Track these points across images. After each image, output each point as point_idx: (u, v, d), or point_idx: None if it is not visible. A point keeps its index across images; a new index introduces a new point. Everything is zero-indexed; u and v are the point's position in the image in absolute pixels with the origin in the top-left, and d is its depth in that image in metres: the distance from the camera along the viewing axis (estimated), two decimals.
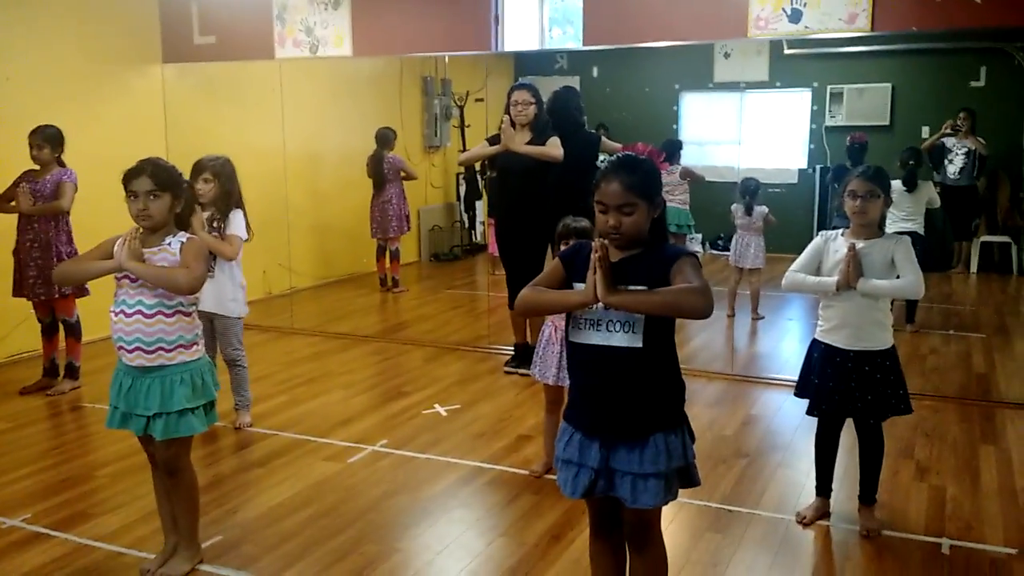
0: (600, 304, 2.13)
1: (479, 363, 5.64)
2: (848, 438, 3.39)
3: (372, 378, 5.46)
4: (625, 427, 2.22)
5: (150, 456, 2.99)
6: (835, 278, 3.14)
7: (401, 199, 7.71)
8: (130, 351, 2.81)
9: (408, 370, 5.54)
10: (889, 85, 8.70)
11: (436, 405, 4.77)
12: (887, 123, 8.70)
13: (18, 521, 3.42)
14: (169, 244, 2.83)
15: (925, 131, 8.21)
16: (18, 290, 4.90)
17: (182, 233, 2.88)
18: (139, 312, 2.79)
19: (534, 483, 3.73)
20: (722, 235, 7.02)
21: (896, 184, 6.04)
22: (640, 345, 2.17)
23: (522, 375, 5.13)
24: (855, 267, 3.10)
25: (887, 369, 3.20)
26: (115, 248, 2.78)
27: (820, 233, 3.31)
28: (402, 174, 7.74)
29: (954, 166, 7.65)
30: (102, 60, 6.16)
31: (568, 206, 5.28)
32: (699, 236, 8.22)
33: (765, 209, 6.46)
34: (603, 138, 5.68)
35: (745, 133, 8.87)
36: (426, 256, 9.19)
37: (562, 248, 3.64)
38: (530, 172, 5.09)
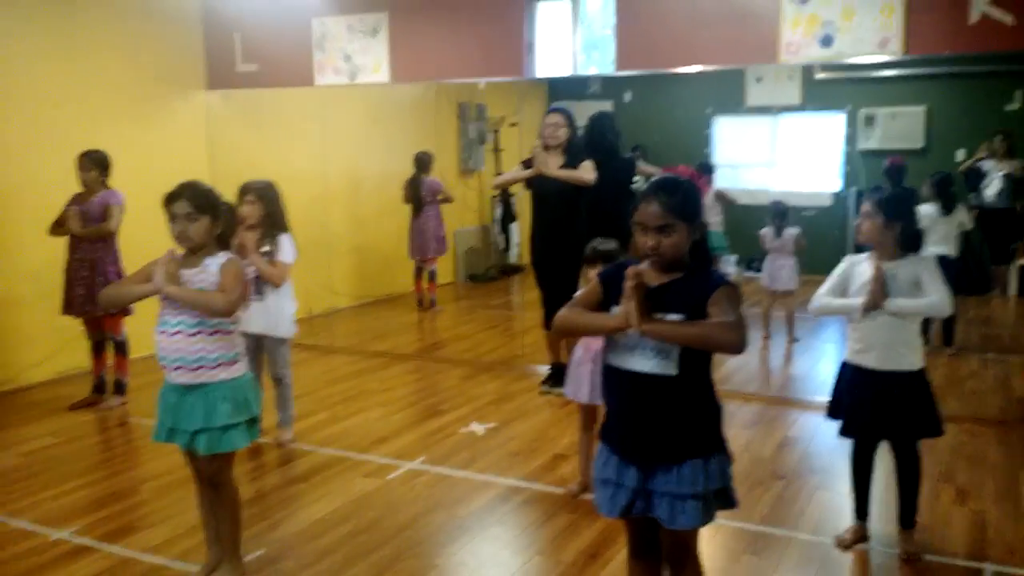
0: (634, 330, 2.15)
1: (515, 382, 5.69)
2: (888, 461, 3.39)
3: (410, 396, 5.54)
4: (661, 452, 2.23)
5: (194, 470, 3.07)
6: (861, 299, 3.15)
7: (438, 221, 7.83)
8: (174, 369, 2.90)
9: (445, 388, 5.61)
10: (923, 108, 8.68)
11: (473, 423, 4.82)
12: (922, 146, 8.67)
13: (66, 534, 3.51)
14: (208, 265, 2.89)
15: (960, 154, 8.18)
16: (67, 308, 5.05)
17: (222, 254, 2.94)
18: (180, 332, 2.87)
19: (571, 502, 3.76)
20: (756, 257, 7.02)
21: (928, 209, 6.04)
22: (674, 372, 2.18)
23: (557, 395, 5.17)
24: (881, 287, 3.12)
25: (917, 390, 3.19)
26: (155, 271, 2.86)
27: (846, 257, 3.33)
28: (439, 196, 7.85)
29: (992, 189, 7.60)
30: (148, 86, 6.35)
31: (603, 229, 5.36)
32: (734, 258, 8.24)
33: (796, 231, 6.47)
34: (639, 162, 5.74)
35: (779, 156, 8.90)
36: (462, 277, 9.28)
37: (590, 272, 3.72)
38: (564, 195, 5.16)
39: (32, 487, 4.00)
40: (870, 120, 8.80)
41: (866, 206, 3.21)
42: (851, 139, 8.90)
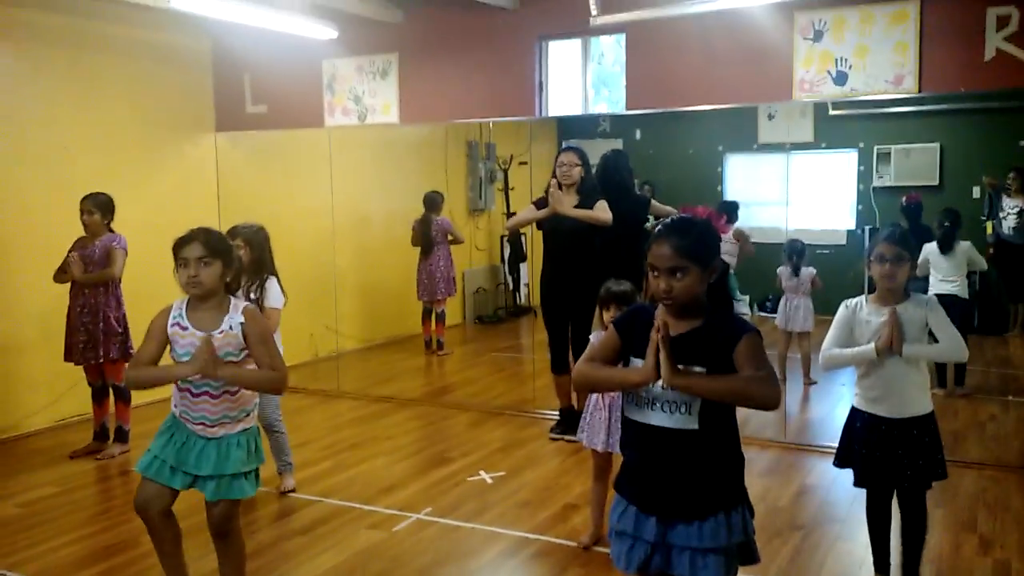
0: (660, 383, 2.08)
1: (524, 428, 5.57)
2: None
3: (416, 443, 5.43)
4: (681, 507, 2.15)
5: (144, 501, 2.91)
6: (872, 345, 3.05)
7: (448, 262, 7.77)
8: (195, 424, 2.87)
9: (453, 435, 5.50)
10: (937, 145, 8.60)
11: (481, 472, 4.71)
12: (936, 183, 8.58)
13: None
14: (230, 328, 2.82)
15: (976, 191, 8.08)
16: (68, 355, 4.98)
17: (233, 310, 2.85)
18: (206, 394, 2.84)
19: (582, 555, 3.65)
20: (770, 297, 6.92)
21: (931, 246, 5.95)
22: (696, 427, 2.12)
23: (568, 441, 5.06)
24: (899, 332, 3.01)
25: (931, 433, 3.12)
26: (194, 355, 2.74)
27: (843, 304, 3.20)
28: (449, 237, 7.80)
29: (1007, 224, 7.51)
30: (157, 128, 6.35)
31: (616, 269, 5.32)
32: (746, 298, 8.12)
33: (812, 271, 6.37)
34: (652, 201, 5.69)
35: (792, 194, 8.82)
36: (471, 318, 9.19)
37: (604, 314, 3.65)
38: (577, 235, 5.09)
39: (33, 538, 3.91)
40: (883, 157, 8.73)
41: (892, 248, 3.05)
42: (864, 176, 8.82)
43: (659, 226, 2.20)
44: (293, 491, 4.41)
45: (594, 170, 5.45)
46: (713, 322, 2.15)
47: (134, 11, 5.78)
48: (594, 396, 3.71)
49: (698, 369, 2.08)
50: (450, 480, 4.61)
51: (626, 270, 5.52)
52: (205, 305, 2.84)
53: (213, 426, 2.86)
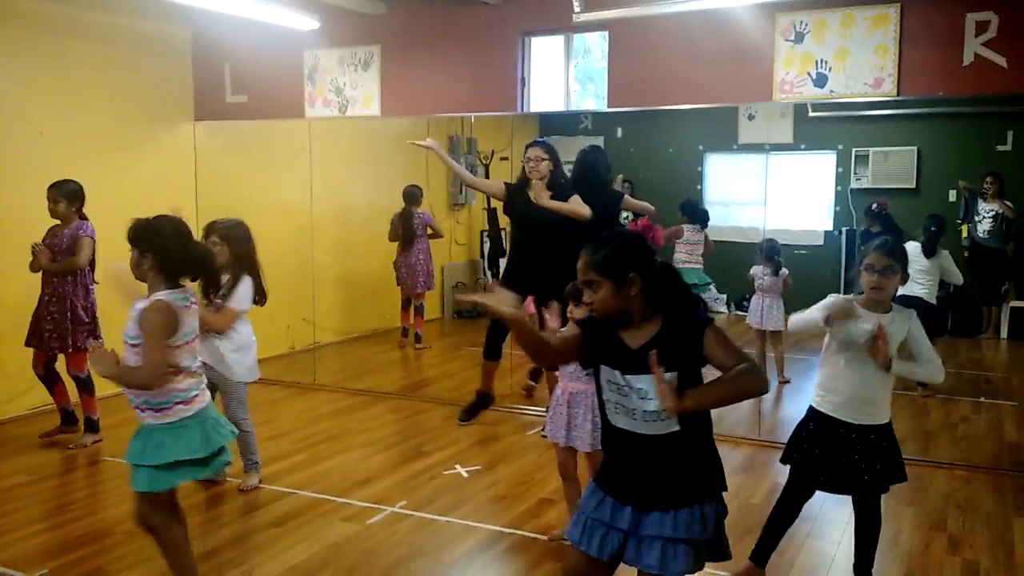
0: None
1: (500, 423, 5.58)
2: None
3: (392, 436, 5.42)
4: (657, 498, 2.21)
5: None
6: (819, 314, 3.07)
7: (427, 255, 7.75)
8: (142, 411, 2.89)
9: (429, 429, 5.49)
10: (915, 148, 8.68)
11: (457, 466, 4.71)
12: (913, 186, 8.66)
13: None
14: (134, 309, 2.83)
15: (952, 195, 8.18)
16: (30, 340, 4.90)
17: (154, 295, 2.84)
18: None
19: (556, 549, 3.65)
20: (747, 296, 6.96)
21: (913, 247, 6.01)
22: (677, 428, 2.18)
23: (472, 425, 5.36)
24: (888, 347, 3.01)
25: (889, 439, 3.15)
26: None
27: (831, 295, 3.18)
28: (429, 231, 7.77)
29: (982, 227, 7.61)
30: (135, 116, 6.29)
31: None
32: (724, 296, 8.16)
33: (785, 271, 6.41)
34: (627, 196, 5.75)
35: (771, 195, 8.87)
36: (449, 313, 9.18)
37: (576, 310, 3.64)
38: (552, 227, 5.11)
39: (2, 526, 3.86)
40: (862, 159, 8.81)
41: (882, 259, 3.03)
42: (842, 178, 8.90)
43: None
44: (255, 488, 4.33)
45: (572, 165, 5.49)
46: (669, 324, 2.21)
47: None
48: (556, 392, 3.67)
49: (669, 375, 2.12)
50: (426, 473, 4.61)
51: None
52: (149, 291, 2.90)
53: (142, 410, 2.88)
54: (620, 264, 2.21)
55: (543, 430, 5.29)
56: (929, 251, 6.05)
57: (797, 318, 3.22)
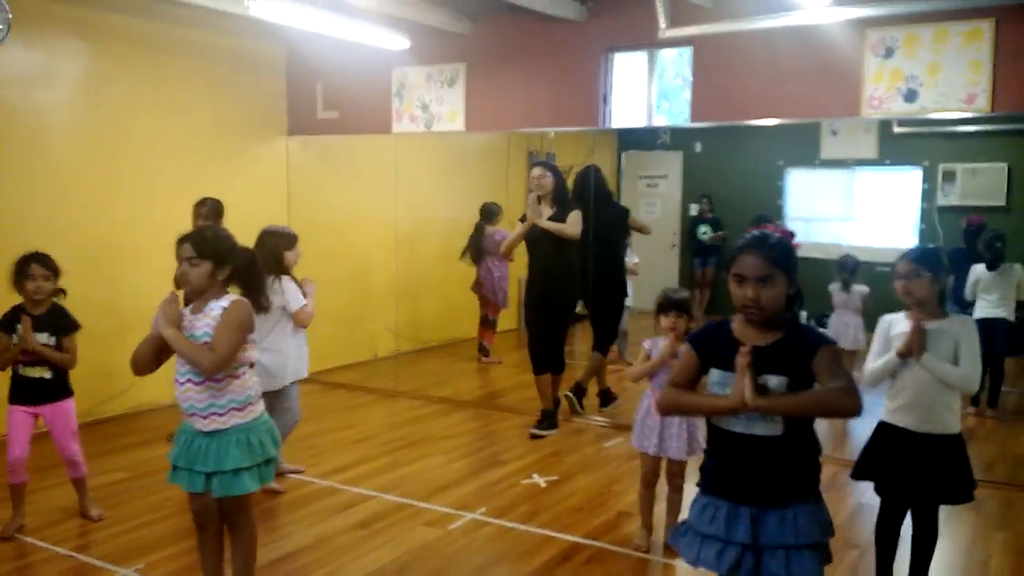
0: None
1: (577, 434, 5.62)
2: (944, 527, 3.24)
3: (471, 444, 5.50)
4: (773, 493, 2.22)
5: (196, 514, 3.04)
6: (894, 351, 3.08)
7: (501, 273, 7.75)
8: (189, 416, 2.92)
9: (506, 438, 5.56)
10: (1005, 165, 8.42)
11: (535, 475, 4.76)
12: (1003, 204, 8.40)
13: (131, 571, 3.54)
14: (212, 309, 2.88)
15: None
16: None
17: (229, 296, 2.92)
18: (190, 380, 2.89)
19: (635, 563, 3.68)
20: (827, 313, 6.86)
21: (980, 267, 5.88)
22: (780, 433, 2.20)
23: (542, 437, 5.45)
24: (920, 339, 3.03)
25: (953, 454, 3.10)
26: (156, 315, 2.85)
27: (882, 318, 3.25)
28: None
29: None
30: (232, 131, 6.55)
31: (597, 272, 5.80)
32: (804, 314, 8.03)
33: (865, 289, 6.27)
34: (631, 214, 6.22)
35: (855, 211, 8.72)
36: (524, 326, 9.24)
37: (661, 319, 3.69)
38: (555, 243, 5.42)
39: (102, 522, 4.05)
40: (949, 176, 8.58)
41: (906, 265, 3.12)
42: (928, 195, 8.68)
43: (743, 240, 2.28)
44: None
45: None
46: (793, 334, 2.22)
47: (213, 17, 5.99)
48: (646, 402, 3.78)
49: (778, 379, 2.15)
50: (504, 482, 4.68)
51: (606, 273, 5.93)
52: (199, 300, 2.93)
53: (205, 417, 2.88)
54: (792, 260, 2.24)
55: (534, 429, 5.51)
56: (992, 264, 5.92)
57: (875, 370, 3.18)
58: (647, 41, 5.44)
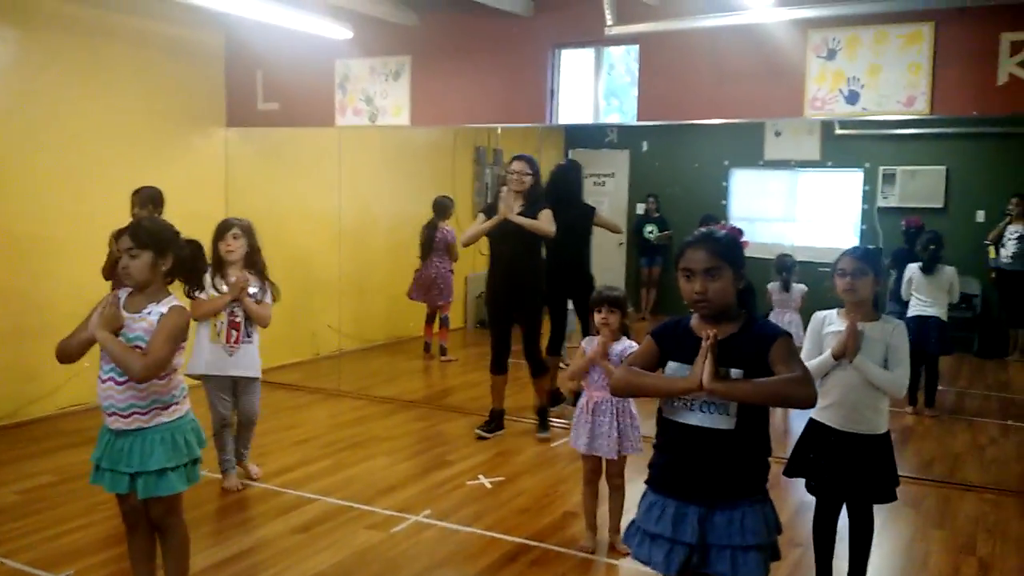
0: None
1: (524, 434, 5.57)
2: (882, 523, 3.27)
3: (416, 445, 5.42)
4: (721, 491, 2.22)
5: (124, 514, 2.95)
6: (829, 352, 3.10)
7: (446, 270, 7.63)
8: (108, 415, 2.81)
9: (452, 438, 5.49)
10: (944, 167, 8.62)
11: (481, 476, 4.71)
12: (941, 205, 8.60)
13: None
14: (150, 313, 2.79)
15: (980, 215, 8.11)
16: None
17: (168, 301, 2.83)
18: (112, 379, 2.79)
19: (581, 563, 3.64)
20: (767, 313, 6.94)
21: (915, 267, 6.01)
22: (732, 427, 2.20)
23: (487, 439, 5.39)
24: (855, 340, 3.05)
25: (878, 454, 3.14)
26: (94, 313, 2.77)
27: (813, 316, 3.27)
28: (450, 250, 7.69)
29: (1007, 250, 7.53)
30: (168, 121, 6.36)
31: (562, 272, 5.70)
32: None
33: (804, 288, 6.35)
34: (597, 211, 6.08)
35: (797, 211, 8.83)
36: (472, 323, 9.19)
37: (595, 315, 3.68)
38: (524, 239, 5.31)
39: (28, 527, 3.89)
40: (889, 178, 8.75)
41: (853, 262, 3.13)
42: (869, 196, 8.84)
43: (690, 236, 2.30)
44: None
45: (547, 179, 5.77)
46: (749, 328, 2.24)
47: (149, 2, 5.81)
48: (581, 401, 3.76)
49: (736, 371, 2.16)
50: (449, 483, 4.61)
51: (572, 273, 5.84)
52: (141, 294, 2.83)
53: (126, 416, 2.78)
54: (739, 254, 2.28)
55: (477, 429, 5.48)
56: (928, 268, 6.03)
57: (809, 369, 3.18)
58: (594, 38, 5.41)
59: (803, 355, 3.19)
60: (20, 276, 5.39)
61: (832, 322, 3.19)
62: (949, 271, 6.08)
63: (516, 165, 5.38)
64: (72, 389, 5.55)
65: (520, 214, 5.28)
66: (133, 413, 2.79)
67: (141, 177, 5.79)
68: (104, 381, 2.80)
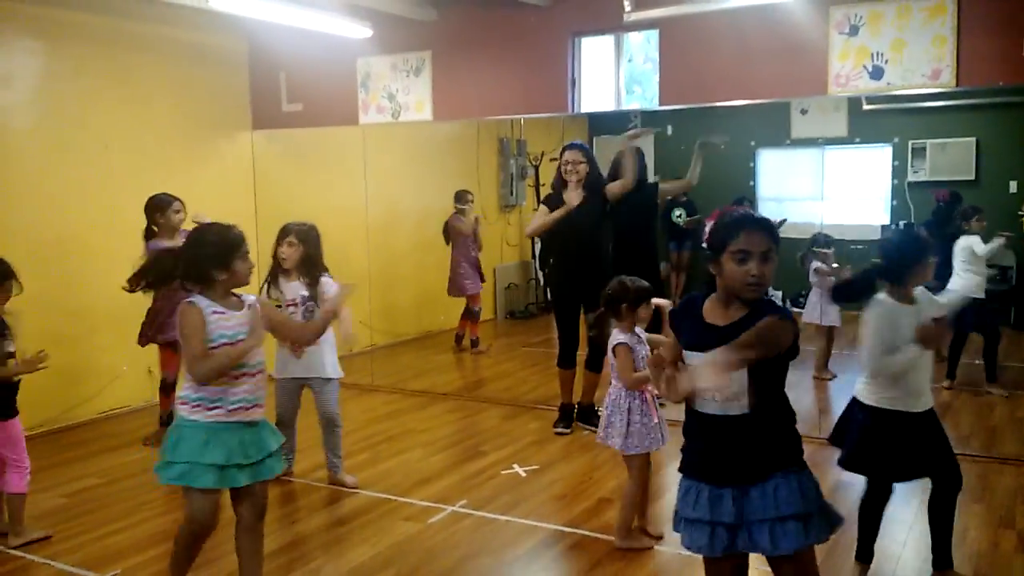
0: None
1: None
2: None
3: (450, 436, 5.47)
4: (752, 470, 2.24)
5: (212, 515, 2.99)
6: (918, 346, 3.00)
7: (465, 259, 7.71)
8: (250, 408, 2.95)
9: (486, 429, 5.54)
10: (974, 139, 8.49)
11: (515, 465, 4.75)
12: (972, 178, 8.47)
13: None
14: (249, 307, 3.01)
15: (1013, 185, 7.98)
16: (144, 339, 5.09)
17: (244, 297, 3.02)
18: (245, 374, 2.93)
19: (617, 549, 3.66)
20: (803, 292, 6.88)
21: (975, 238, 5.97)
22: (748, 411, 2.21)
23: (566, 434, 5.29)
24: (945, 331, 3.08)
25: (938, 428, 3.21)
26: (239, 331, 2.90)
27: (874, 301, 3.12)
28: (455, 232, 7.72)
29: None
30: (194, 126, 6.45)
31: (631, 259, 5.42)
32: (779, 293, 8.06)
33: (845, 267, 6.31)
34: (660, 184, 5.90)
35: (826, 189, 8.75)
36: (502, 314, 9.23)
37: (640, 312, 3.67)
38: (590, 230, 5.20)
39: (75, 528, 3.99)
40: (919, 152, 8.64)
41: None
42: (899, 171, 8.73)
43: (741, 216, 2.27)
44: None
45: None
46: (758, 310, 2.23)
47: (173, 11, 5.87)
48: (612, 395, 3.68)
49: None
50: (484, 473, 4.66)
51: (640, 260, 5.57)
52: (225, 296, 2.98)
53: (253, 406, 2.94)
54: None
55: (555, 426, 5.41)
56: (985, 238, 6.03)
57: (900, 362, 3.03)
58: (612, 24, 5.40)
59: (877, 345, 3.05)
60: (57, 284, 5.51)
61: (903, 314, 3.03)
62: (971, 239, 6.12)
63: (568, 155, 5.24)
64: (113, 393, 5.68)
65: (582, 204, 5.16)
66: (259, 404, 3.00)
67: (171, 183, 5.88)
68: (237, 378, 2.89)
